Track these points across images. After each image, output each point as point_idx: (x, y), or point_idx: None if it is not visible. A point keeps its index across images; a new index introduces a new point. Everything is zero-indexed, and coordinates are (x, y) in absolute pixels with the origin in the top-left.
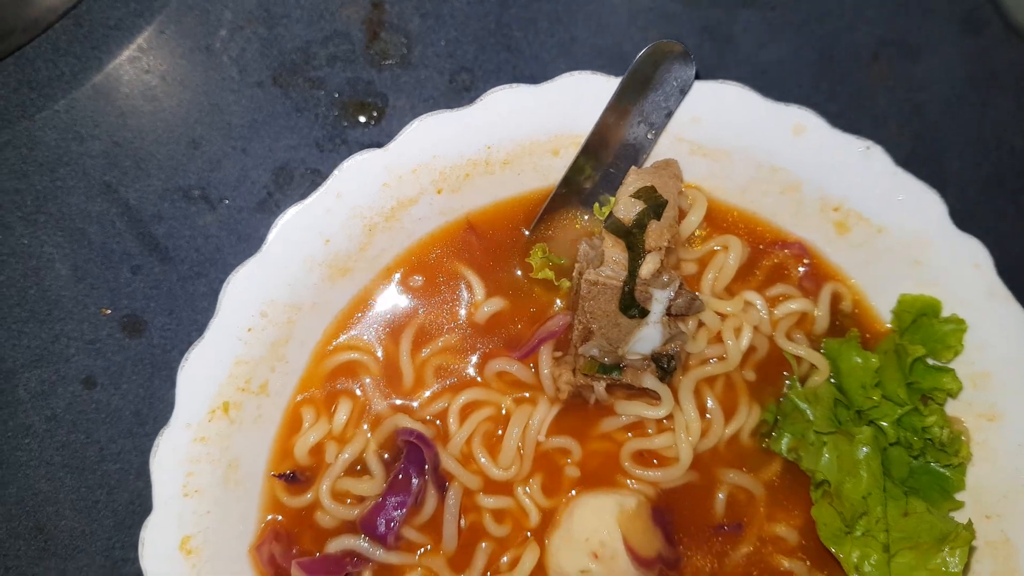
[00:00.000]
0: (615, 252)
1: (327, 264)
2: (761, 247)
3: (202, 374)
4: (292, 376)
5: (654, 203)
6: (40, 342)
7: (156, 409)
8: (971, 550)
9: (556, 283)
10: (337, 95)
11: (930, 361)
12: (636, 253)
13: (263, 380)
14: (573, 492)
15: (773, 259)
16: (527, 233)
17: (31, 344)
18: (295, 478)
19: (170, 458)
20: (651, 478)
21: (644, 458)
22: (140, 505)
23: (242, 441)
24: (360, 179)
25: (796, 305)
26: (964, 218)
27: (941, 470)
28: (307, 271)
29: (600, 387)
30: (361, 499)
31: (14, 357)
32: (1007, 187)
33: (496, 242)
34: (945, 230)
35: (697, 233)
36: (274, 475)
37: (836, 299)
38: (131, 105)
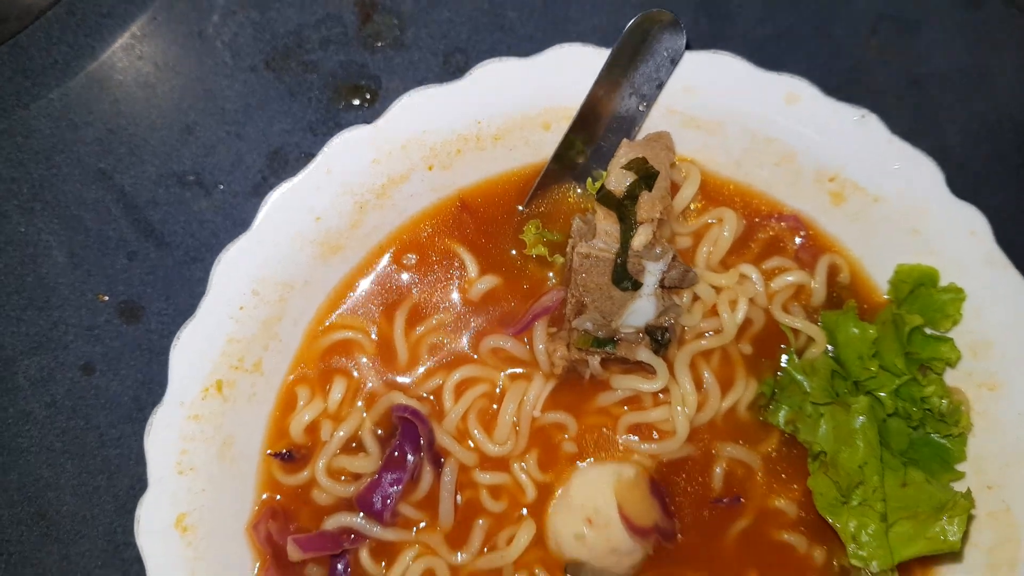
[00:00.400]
0: (607, 224)
1: (318, 242)
2: (757, 219)
3: (194, 352)
4: (286, 355)
5: (645, 174)
6: (38, 329)
7: (155, 394)
8: (970, 519)
9: (550, 259)
10: (330, 78)
11: (928, 331)
12: (628, 225)
13: (256, 358)
14: (580, 464)
15: (769, 231)
16: (521, 209)
17: (29, 331)
18: (291, 456)
19: (164, 436)
20: (648, 451)
21: (641, 431)
22: (140, 489)
23: (236, 419)
24: (349, 156)
25: (792, 277)
26: (964, 192)
27: (941, 441)
28: (298, 249)
29: (595, 361)
30: (357, 476)
31: (13, 344)
32: (1008, 162)
33: (489, 219)
34: (942, 198)
35: (692, 207)
36: (270, 454)
37: (833, 271)
38: (125, 92)
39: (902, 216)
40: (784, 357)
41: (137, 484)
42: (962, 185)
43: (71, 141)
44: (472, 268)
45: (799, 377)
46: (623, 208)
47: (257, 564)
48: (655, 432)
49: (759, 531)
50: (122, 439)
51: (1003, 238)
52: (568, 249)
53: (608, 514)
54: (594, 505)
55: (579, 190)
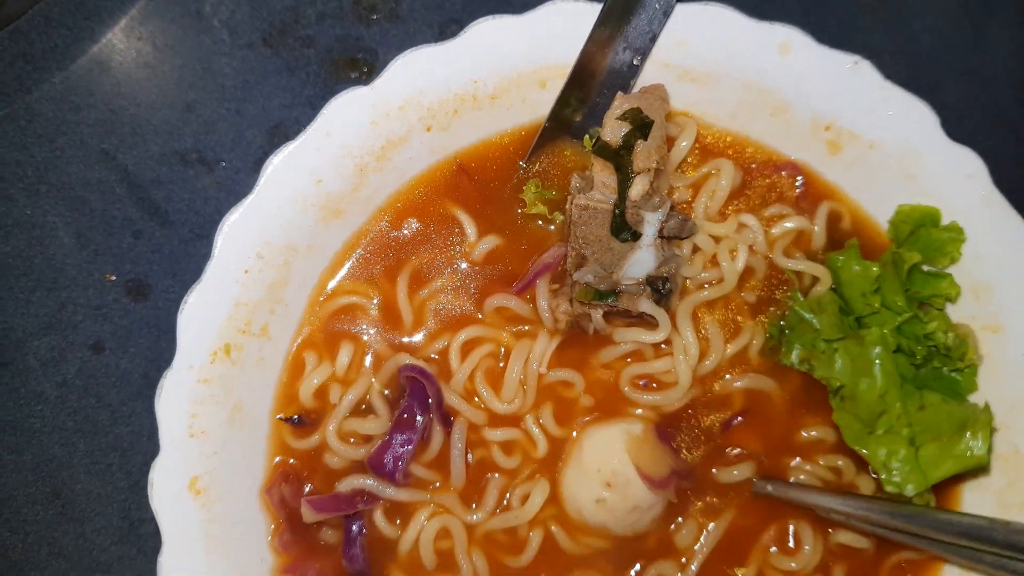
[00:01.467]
0: (604, 175)
1: (320, 205)
2: (754, 167)
3: (202, 316)
4: (292, 319)
5: (640, 124)
6: (47, 310)
7: (164, 370)
8: (993, 431)
9: (549, 216)
10: (327, 53)
11: (926, 268)
12: (625, 175)
13: (263, 323)
14: (587, 418)
15: (767, 180)
16: (522, 166)
17: (38, 313)
18: (301, 421)
19: (174, 399)
20: (651, 402)
21: (644, 383)
22: None
23: (246, 383)
24: (348, 118)
25: (792, 223)
26: (959, 138)
27: (951, 375)
28: (300, 212)
29: (598, 315)
30: (368, 439)
31: (23, 326)
32: (1005, 116)
33: (488, 179)
34: (938, 141)
35: (688, 159)
36: (280, 418)
37: (834, 218)
38: (125, 73)
39: (898, 161)
40: (790, 297)
41: (150, 460)
42: (958, 133)
43: (74, 123)
44: (471, 230)
45: (808, 316)
46: (619, 158)
47: (272, 527)
48: (654, 383)
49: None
50: (133, 416)
51: (1000, 183)
52: (567, 205)
53: (626, 474)
54: (611, 468)
55: (578, 148)
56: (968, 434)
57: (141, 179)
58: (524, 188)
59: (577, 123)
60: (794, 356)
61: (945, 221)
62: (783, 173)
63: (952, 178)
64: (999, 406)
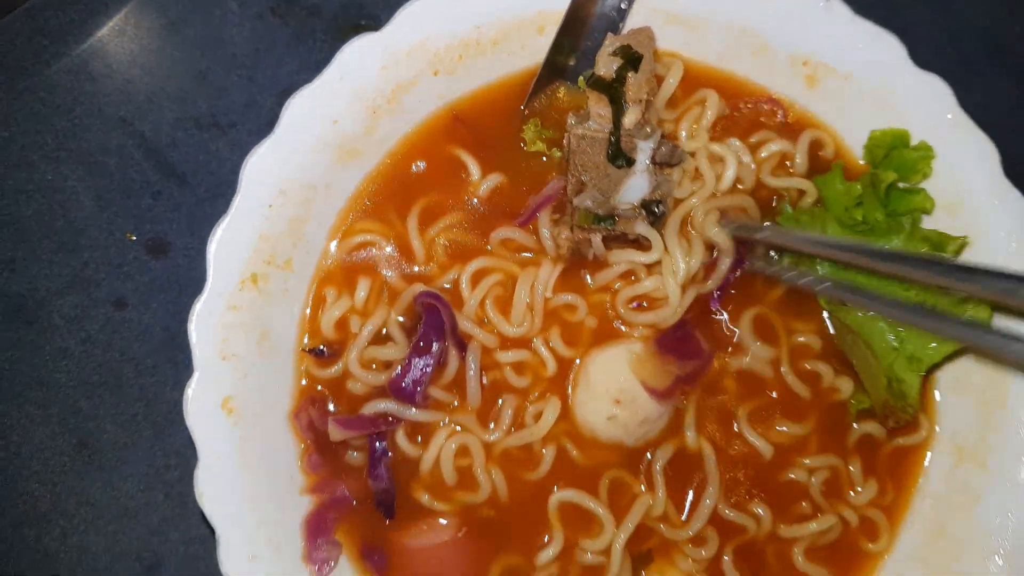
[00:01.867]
0: (599, 107)
1: (336, 145)
2: (740, 103)
3: (230, 247)
4: (312, 255)
5: (631, 58)
6: (70, 270)
7: (186, 322)
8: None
9: (548, 153)
10: (333, 21)
11: (901, 185)
12: (619, 106)
13: (287, 256)
14: (592, 348)
15: (749, 110)
16: (523, 108)
17: (62, 272)
18: (323, 352)
19: (206, 324)
20: (646, 320)
21: (636, 305)
22: (177, 415)
23: (272, 313)
24: (360, 62)
25: (777, 146)
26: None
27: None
28: (319, 151)
29: (597, 239)
30: (388, 364)
31: (46, 286)
32: (966, 43)
33: (491, 123)
34: (906, 70)
35: (678, 95)
36: (305, 350)
37: (816, 145)
38: (140, 45)
39: (872, 91)
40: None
41: (174, 409)
42: (925, 62)
43: (91, 93)
44: (475, 170)
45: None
46: (613, 90)
47: (301, 448)
48: (645, 302)
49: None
50: (156, 368)
51: (965, 106)
52: (565, 142)
53: (632, 390)
54: (618, 387)
55: (573, 88)
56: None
57: (158, 143)
58: (524, 128)
59: (571, 67)
60: (784, 260)
61: (915, 142)
62: (764, 106)
63: (922, 104)
64: None
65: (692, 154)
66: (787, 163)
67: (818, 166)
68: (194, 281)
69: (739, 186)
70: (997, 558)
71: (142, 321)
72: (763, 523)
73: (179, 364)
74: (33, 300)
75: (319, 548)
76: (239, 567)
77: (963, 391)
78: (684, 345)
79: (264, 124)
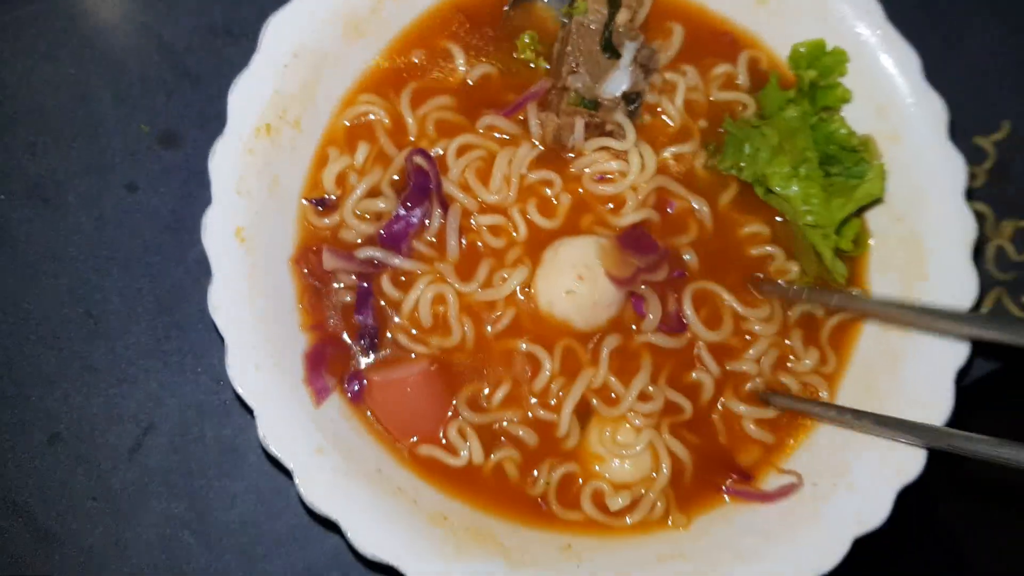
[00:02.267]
0: (598, 4)
1: (344, 20)
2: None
3: (247, 96)
4: (320, 119)
5: None
6: (87, 155)
7: (192, 207)
8: (886, 174)
9: (536, 61)
10: None
11: (821, 83)
12: (614, 6)
13: (296, 116)
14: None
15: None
16: (506, 11)
17: (79, 157)
18: (324, 202)
19: (224, 161)
20: (608, 191)
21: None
22: (180, 290)
23: (281, 164)
24: None
25: (721, 68)
26: None
27: (858, 181)
28: (330, 22)
29: (580, 124)
30: (378, 217)
31: (64, 168)
32: None
33: (480, 24)
34: None
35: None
36: (306, 201)
37: (754, 63)
38: None
39: (812, 4)
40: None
41: (177, 285)
42: None
43: (117, 2)
44: (461, 60)
45: (736, 131)
46: None
47: (300, 289)
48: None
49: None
50: (163, 246)
51: (893, 18)
52: (556, 44)
53: (595, 270)
54: (584, 263)
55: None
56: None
57: (175, 47)
58: (520, 36)
59: None
60: (728, 162)
61: (854, 55)
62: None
63: (853, 14)
64: (898, 200)
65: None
66: (735, 82)
67: (756, 79)
68: (202, 171)
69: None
70: (917, 407)
71: (151, 204)
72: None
73: (184, 245)
74: (51, 181)
75: (319, 377)
76: (244, 375)
77: (888, 268)
78: (642, 242)
79: None
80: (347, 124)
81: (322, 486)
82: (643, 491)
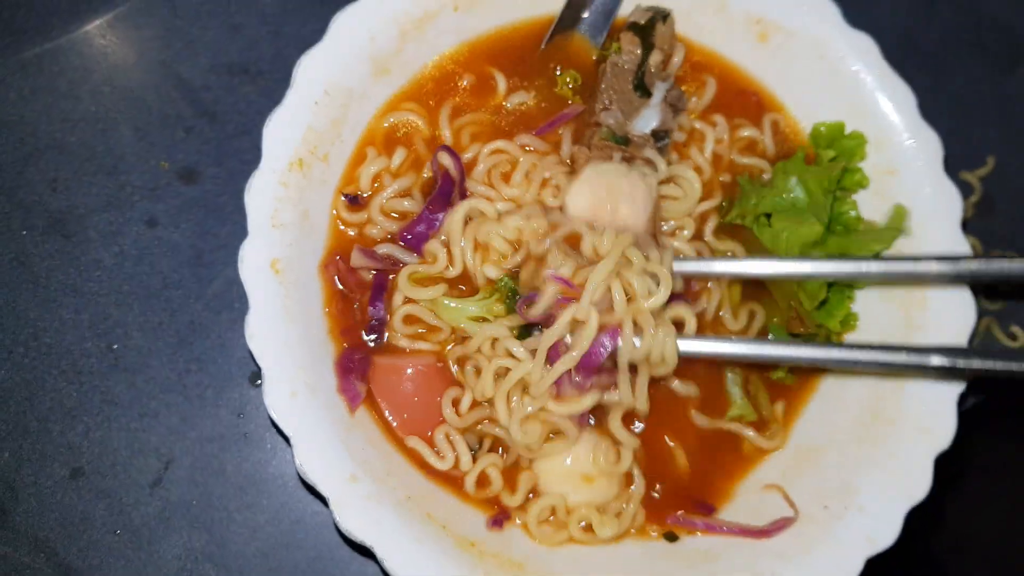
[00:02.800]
0: (631, 45)
1: (371, 59)
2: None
3: (282, 131)
4: (344, 153)
5: (662, 12)
6: (108, 191)
7: (211, 243)
8: None
9: (572, 99)
10: None
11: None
12: (647, 46)
13: (326, 151)
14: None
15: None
16: (542, 48)
17: (100, 193)
18: (356, 200)
19: (260, 195)
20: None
21: None
22: (200, 324)
23: (312, 196)
24: None
25: (747, 132)
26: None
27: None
28: (358, 61)
29: (617, 156)
30: (404, 216)
31: (85, 204)
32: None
33: (514, 62)
34: (839, 27)
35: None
36: (342, 196)
37: (776, 124)
38: (181, 0)
39: (812, 46)
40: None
41: (196, 320)
42: (857, 21)
43: (136, 39)
44: (502, 85)
45: (748, 188)
46: (644, 32)
47: (327, 295)
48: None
49: None
50: (183, 282)
51: (889, 57)
52: (599, 72)
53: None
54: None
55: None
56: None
57: (193, 85)
58: (562, 72)
59: (584, 18)
60: (734, 212)
61: (847, 89)
62: (752, 99)
63: (853, 57)
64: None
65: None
66: (757, 148)
67: (780, 142)
68: (220, 206)
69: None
70: (920, 432)
71: (171, 239)
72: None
73: (203, 280)
74: (72, 216)
75: (350, 384)
76: (281, 402)
77: (889, 299)
78: None
79: (288, 73)
80: (386, 125)
81: (356, 513)
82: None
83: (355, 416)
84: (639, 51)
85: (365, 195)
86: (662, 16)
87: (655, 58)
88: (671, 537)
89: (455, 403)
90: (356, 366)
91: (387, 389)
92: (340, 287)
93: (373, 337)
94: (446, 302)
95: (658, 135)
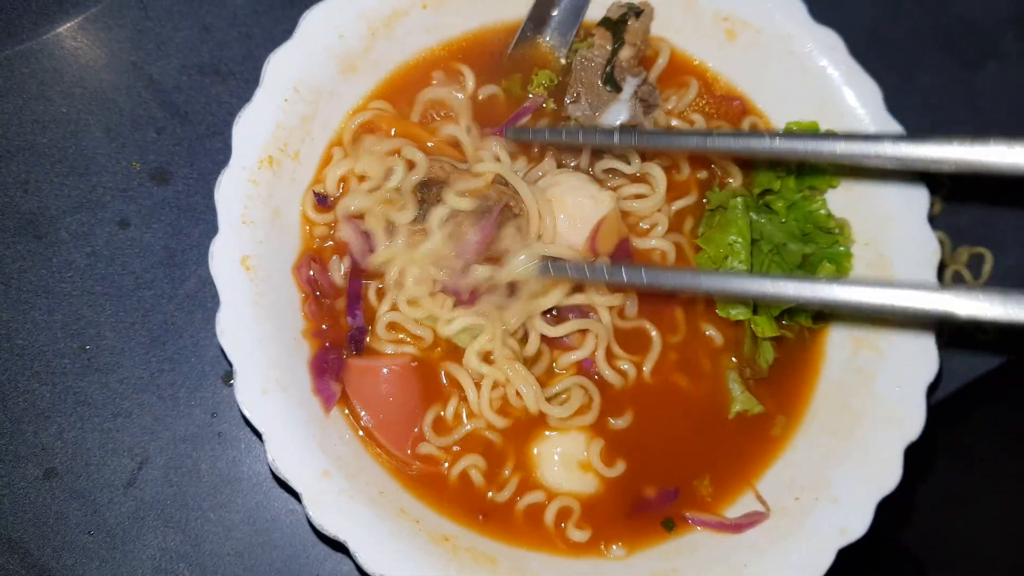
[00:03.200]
0: (603, 40)
1: (340, 57)
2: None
3: (251, 130)
4: (316, 151)
5: (635, 9)
6: (79, 192)
7: (184, 243)
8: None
9: (546, 100)
10: None
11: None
12: (618, 41)
13: (296, 148)
14: None
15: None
16: (509, 51)
17: (72, 194)
18: (325, 200)
19: (230, 191)
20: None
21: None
22: (172, 324)
23: (283, 194)
24: None
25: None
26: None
27: (830, 250)
28: (327, 59)
29: (583, 161)
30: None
31: (57, 205)
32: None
33: (483, 63)
34: (806, 23)
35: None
36: (314, 192)
37: (755, 127)
38: (152, 1)
39: (779, 41)
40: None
41: (169, 320)
42: (821, 17)
43: (106, 40)
44: (471, 82)
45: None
46: (616, 28)
47: (302, 296)
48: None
49: None
50: (155, 282)
51: (856, 54)
52: (570, 62)
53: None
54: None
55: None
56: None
57: (164, 86)
58: (538, 72)
59: (552, 18)
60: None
61: (815, 83)
62: (735, 103)
63: (819, 53)
64: (866, 228)
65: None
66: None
67: None
68: (192, 207)
69: None
70: (890, 423)
71: (143, 239)
72: None
73: (175, 280)
74: (44, 217)
75: (325, 384)
76: (252, 398)
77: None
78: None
79: (259, 74)
80: (354, 126)
81: (329, 508)
82: None
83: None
84: (609, 46)
85: (332, 198)
86: (635, 12)
87: (626, 53)
88: (668, 525)
89: (438, 424)
90: (331, 366)
91: (362, 391)
92: (312, 290)
93: (353, 349)
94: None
95: (625, 130)
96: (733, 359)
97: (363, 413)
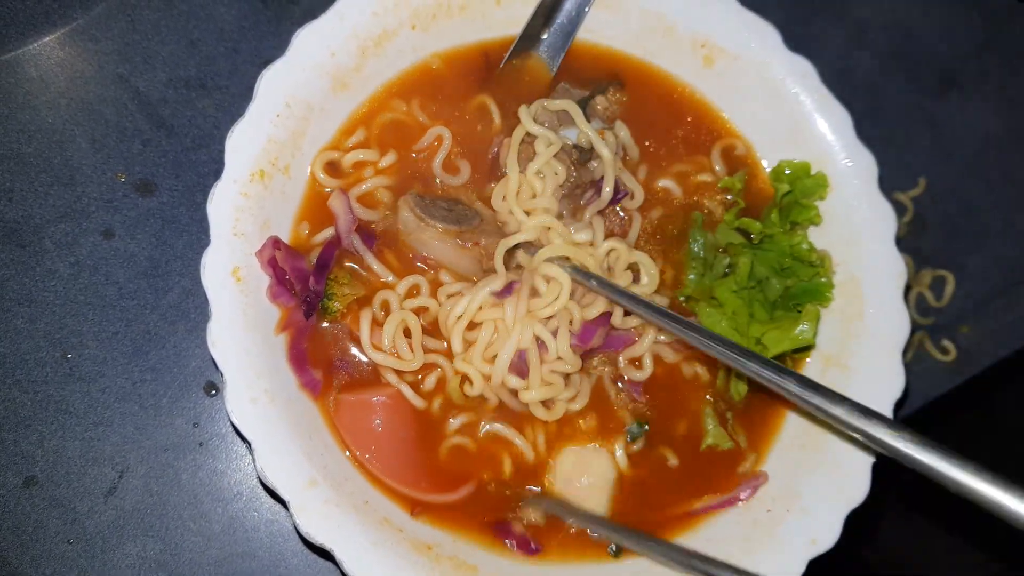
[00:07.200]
0: (584, 90)
1: (331, 75)
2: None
3: (244, 144)
4: (305, 168)
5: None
6: (64, 202)
7: (167, 254)
8: (818, 319)
9: None
10: (309, 9)
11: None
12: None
13: (286, 162)
14: None
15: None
16: (500, 68)
17: (56, 204)
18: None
19: (222, 204)
20: None
21: None
22: (155, 334)
23: (273, 207)
24: (358, 5)
25: (704, 176)
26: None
27: (809, 284)
28: (318, 76)
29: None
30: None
31: (41, 215)
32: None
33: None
34: (780, 52)
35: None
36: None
37: (729, 148)
38: (139, 14)
39: (755, 68)
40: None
41: (152, 330)
42: (797, 46)
43: (93, 51)
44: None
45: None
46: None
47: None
48: None
49: None
50: (138, 292)
51: (827, 80)
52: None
53: None
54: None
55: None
56: (803, 323)
57: (150, 98)
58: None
59: (543, 39)
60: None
61: (789, 110)
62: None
63: (792, 80)
64: (838, 249)
65: None
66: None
67: (733, 168)
68: (176, 218)
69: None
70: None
71: (127, 250)
72: None
73: (159, 291)
74: (28, 226)
75: (308, 374)
76: (242, 408)
77: (830, 311)
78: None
79: (246, 88)
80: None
81: (316, 517)
82: None
83: (316, 421)
84: (587, 93)
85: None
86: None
87: (600, 102)
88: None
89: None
90: (306, 354)
91: (353, 427)
92: (276, 274)
93: (306, 310)
94: None
95: (582, 150)
96: (708, 397)
97: (357, 452)
